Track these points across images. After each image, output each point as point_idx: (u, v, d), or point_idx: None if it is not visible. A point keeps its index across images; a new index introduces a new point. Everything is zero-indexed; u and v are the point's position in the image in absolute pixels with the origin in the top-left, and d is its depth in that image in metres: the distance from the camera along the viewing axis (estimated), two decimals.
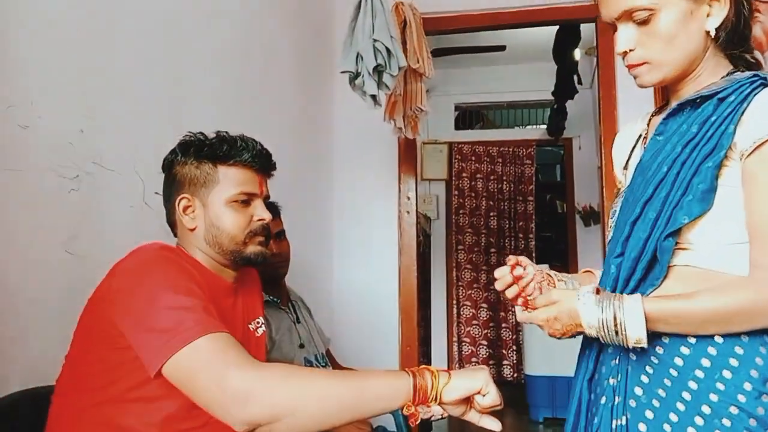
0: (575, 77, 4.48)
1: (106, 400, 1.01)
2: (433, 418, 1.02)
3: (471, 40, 4.27)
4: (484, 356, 5.13)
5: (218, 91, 1.94)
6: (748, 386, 0.88)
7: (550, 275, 1.10)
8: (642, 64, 0.98)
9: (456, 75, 5.11)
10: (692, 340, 0.92)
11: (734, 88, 0.92)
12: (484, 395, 0.96)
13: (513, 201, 5.30)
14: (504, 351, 5.15)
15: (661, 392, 0.93)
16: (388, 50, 1.95)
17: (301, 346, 1.94)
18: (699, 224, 0.91)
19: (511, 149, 5.31)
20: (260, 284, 1.38)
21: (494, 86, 5.20)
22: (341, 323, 2.97)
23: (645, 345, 0.89)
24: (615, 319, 0.89)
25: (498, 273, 1.06)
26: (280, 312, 1.93)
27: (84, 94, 1.36)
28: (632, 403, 0.96)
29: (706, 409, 0.89)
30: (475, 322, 5.20)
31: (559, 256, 5.26)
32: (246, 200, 1.17)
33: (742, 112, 0.90)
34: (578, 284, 1.11)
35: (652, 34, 0.94)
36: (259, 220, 1.18)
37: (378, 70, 1.98)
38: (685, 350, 0.93)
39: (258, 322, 1.30)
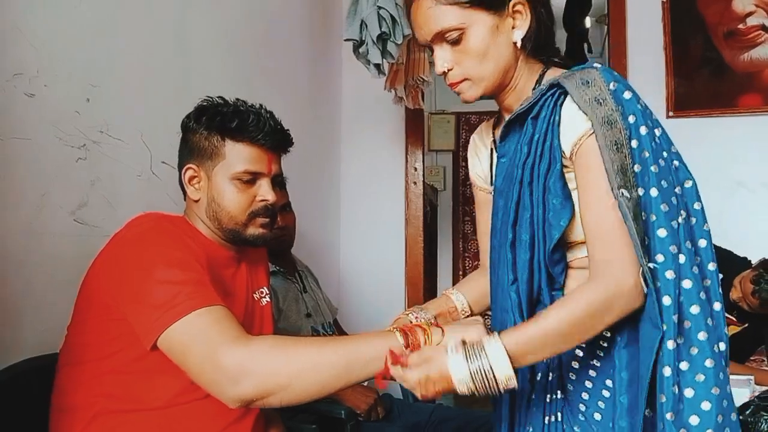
0: (585, 45, 4.40)
1: (108, 371, 1.01)
2: None
3: None
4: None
5: (225, 60, 1.93)
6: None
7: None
8: (462, 81, 1.01)
9: None
10: (607, 333, 0.94)
11: (541, 104, 0.96)
12: None
13: None
14: None
15: (596, 362, 0.96)
16: (393, 18, 1.92)
17: (308, 315, 1.96)
18: (573, 228, 0.95)
19: None
20: (266, 255, 1.37)
21: None
22: (348, 294, 3.00)
23: (515, 384, 0.87)
24: (483, 369, 0.86)
25: None
26: (287, 282, 1.94)
27: (90, 62, 1.35)
28: (572, 375, 0.99)
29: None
30: None
31: None
32: (251, 179, 1.12)
33: (558, 124, 0.94)
34: (434, 315, 1.14)
35: (465, 51, 0.98)
36: (262, 200, 1.14)
37: (382, 39, 1.95)
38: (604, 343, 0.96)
39: (262, 292, 1.29)
